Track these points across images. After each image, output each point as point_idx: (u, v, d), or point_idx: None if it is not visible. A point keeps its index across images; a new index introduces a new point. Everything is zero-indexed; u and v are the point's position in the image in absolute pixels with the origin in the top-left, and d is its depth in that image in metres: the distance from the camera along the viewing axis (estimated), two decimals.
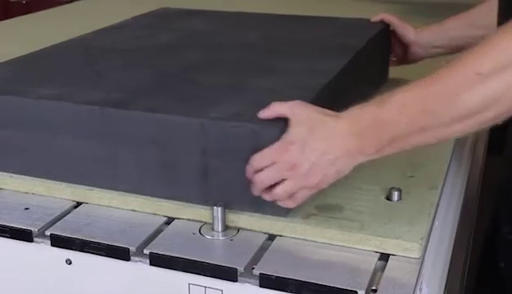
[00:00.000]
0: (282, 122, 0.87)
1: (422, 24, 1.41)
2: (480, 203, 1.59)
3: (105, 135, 0.95)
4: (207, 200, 0.92)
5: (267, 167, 0.85)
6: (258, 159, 0.86)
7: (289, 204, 0.87)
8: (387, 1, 2.33)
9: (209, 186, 0.91)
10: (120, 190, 0.97)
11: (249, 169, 0.87)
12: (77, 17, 2.25)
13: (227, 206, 0.90)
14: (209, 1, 1.93)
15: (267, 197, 0.87)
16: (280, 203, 0.88)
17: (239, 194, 0.90)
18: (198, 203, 0.93)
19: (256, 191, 0.88)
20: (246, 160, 0.87)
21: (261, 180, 0.86)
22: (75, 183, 0.99)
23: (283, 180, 0.85)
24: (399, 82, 1.34)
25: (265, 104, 0.90)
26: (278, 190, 0.86)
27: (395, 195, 0.94)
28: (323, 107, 0.89)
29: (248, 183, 0.87)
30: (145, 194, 0.96)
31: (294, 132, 0.85)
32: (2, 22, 2.13)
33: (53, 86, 1.03)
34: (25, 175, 1.02)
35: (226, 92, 1.01)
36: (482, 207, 1.58)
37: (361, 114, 0.85)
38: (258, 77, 1.08)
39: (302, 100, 0.90)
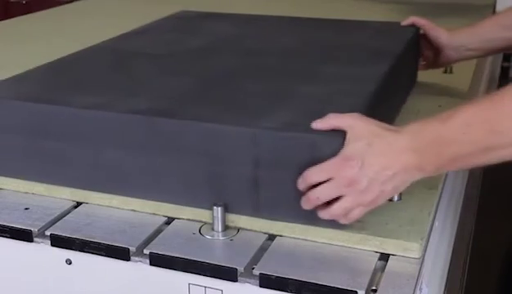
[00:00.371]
0: (342, 133, 0.84)
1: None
2: (480, 203, 1.59)
3: (151, 145, 0.92)
4: (257, 212, 0.89)
5: (324, 182, 0.82)
6: (313, 174, 0.83)
7: (345, 221, 0.84)
8: (388, 1, 2.34)
9: (260, 198, 0.89)
10: (165, 202, 0.94)
11: (303, 183, 0.84)
12: (77, 17, 2.26)
13: (278, 218, 0.88)
14: (212, 3, 1.93)
15: (322, 214, 0.84)
16: (334, 219, 0.85)
17: (292, 206, 0.87)
18: (247, 215, 0.90)
19: (309, 206, 0.84)
20: (301, 172, 0.84)
21: (317, 196, 0.83)
22: (120, 195, 0.96)
23: (339, 196, 0.82)
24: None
25: (318, 113, 0.87)
26: (335, 207, 0.83)
27: (395, 195, 0.94)
28: (370, 115, 0.87)
29: (299, 196, 0.85)
30: (190, 206, 0.93)
31: (352, 147, 0.82)
32: (2, 22, 2.13)
33: (91, 95, 1.00)
34: (67, 186, 0.99)
35: (273, 100, 0.98)
36: (483, 207, 1.58)
37: (423, 130, 0.82)
38: (302, 83, 1.06)
39: (356, 110, 0.87)
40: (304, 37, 1.37)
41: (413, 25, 1.37)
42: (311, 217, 0.86)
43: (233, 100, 1.00)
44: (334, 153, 0.83)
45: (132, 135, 0.93)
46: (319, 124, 0.85)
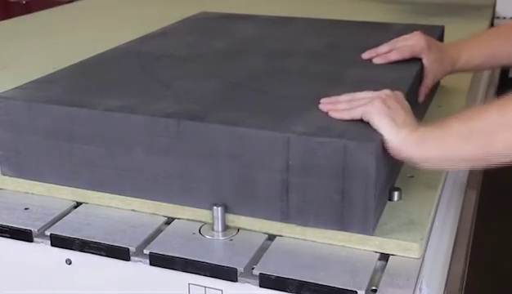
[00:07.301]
0: (378, 138, 0.84)
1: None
2: (480, 203, 1.59)
3: (180, 149, 0.91)
4: (286, 218, 0.89)
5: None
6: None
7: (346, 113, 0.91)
8: (387, 1, 2.34)
9: (290, 203, 0.88)
10: (193, 206, 0.93)
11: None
12: (77, 17, 2.26)
13: (307, 224, 0.88)
14: (210, 3, 1.93)
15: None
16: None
17: (321, 212, 0.86)
18: (275, 220, 0.89)
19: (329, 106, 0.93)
20: (333, 177, 0.84)
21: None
22: (147, 199, 0.95)
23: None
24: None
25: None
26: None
27: (395, 195, 0.94)
28: None
29: (329, 202, 0.85)
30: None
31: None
32: (2, 22, 2.13)
33: (118, 97, 0.99)
34: (93, 190, 0.98)
35: (301, 103, 0.96)
36: (483, 207, 1.58)
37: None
38: (331, 87, 1.03)
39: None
40: (327, 39, 1.35)
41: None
42: (341, 223, 0.86)
43: (260, 103, 0.99)
44: (368, 159, 0.82)
45: (160, 138, 0.91)
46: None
